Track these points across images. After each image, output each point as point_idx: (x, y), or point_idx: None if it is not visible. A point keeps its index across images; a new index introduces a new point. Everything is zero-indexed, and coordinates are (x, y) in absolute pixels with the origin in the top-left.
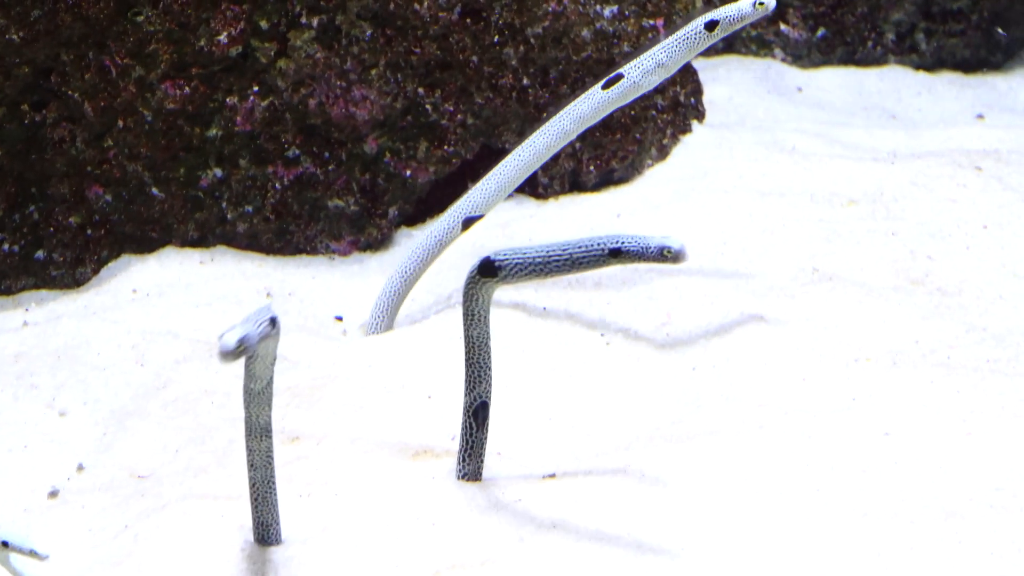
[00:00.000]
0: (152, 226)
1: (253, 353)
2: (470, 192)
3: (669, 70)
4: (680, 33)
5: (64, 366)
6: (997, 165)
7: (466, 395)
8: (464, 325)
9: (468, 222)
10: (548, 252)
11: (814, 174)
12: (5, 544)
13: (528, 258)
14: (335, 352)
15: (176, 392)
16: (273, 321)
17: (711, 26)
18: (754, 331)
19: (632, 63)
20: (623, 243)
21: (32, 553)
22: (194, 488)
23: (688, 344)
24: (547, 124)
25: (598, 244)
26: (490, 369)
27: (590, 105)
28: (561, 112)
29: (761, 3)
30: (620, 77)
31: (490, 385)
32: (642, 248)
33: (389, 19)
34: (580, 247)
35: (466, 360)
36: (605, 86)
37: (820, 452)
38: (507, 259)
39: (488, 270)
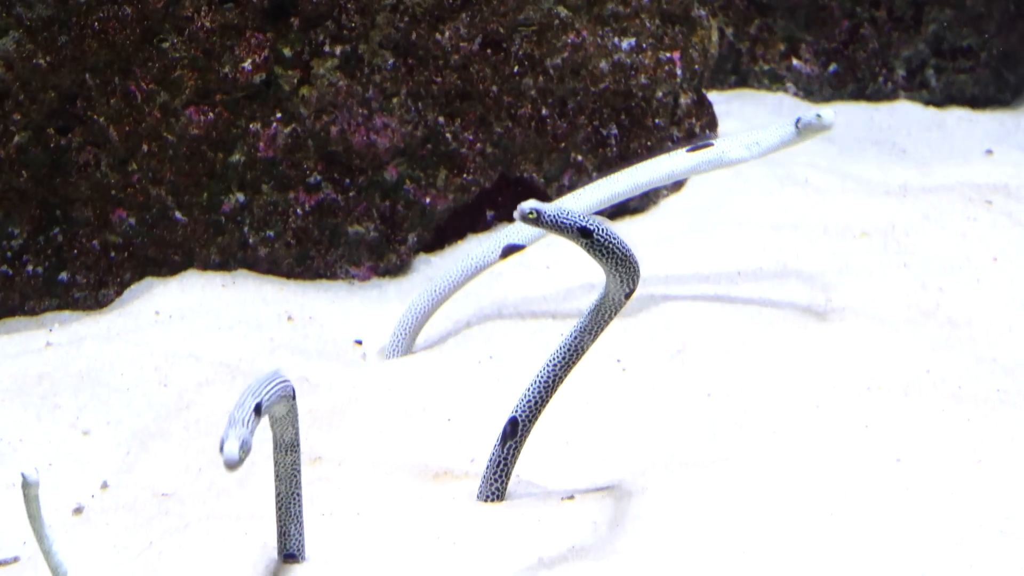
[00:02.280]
0: (175, 250)
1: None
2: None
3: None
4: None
5: (87, 387)
6: (1007, 200)
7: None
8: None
9: (509, 251)
10: None
11: (827, 207)
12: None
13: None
14: (355, 376)
15: (198, 414)
16: (258, 408)
17: (796, 122)
18: (768, 360)
19: (727, 138)
20: None
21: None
22: (217, 508)
23: (703, 372)
24: (618, 174)
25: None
26: (543, 393)
27: (668, 166)
28: (635, 166)
29: (819, 116)
30: (709, 145)
31: (533, 409)
32: None
33: (411, 49)
34: None
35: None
36: (691, 150)
37: (833, 478)
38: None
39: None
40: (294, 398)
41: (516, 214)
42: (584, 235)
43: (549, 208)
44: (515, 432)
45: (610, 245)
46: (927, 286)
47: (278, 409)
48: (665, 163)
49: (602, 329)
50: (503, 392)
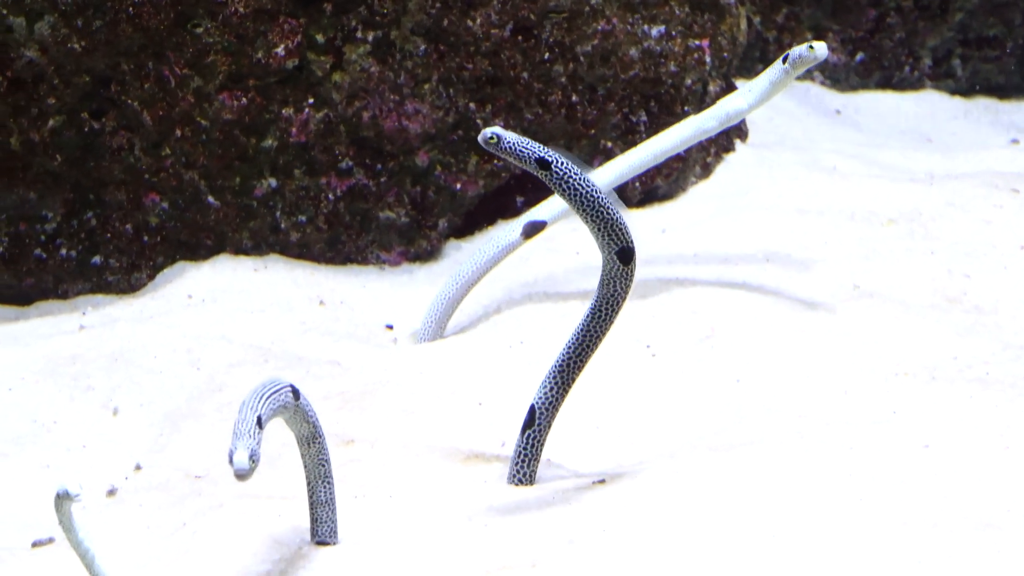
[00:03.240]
0: (207, 234)
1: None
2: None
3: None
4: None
5: (120, 368)
6: None
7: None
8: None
9: (531, 229)
10: None
11: (853, 194)
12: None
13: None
14: (386, 359)
15: (230, 395)
16: (259, 421)
17: (784, 59)
18: (796, 345)
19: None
20: None
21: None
22: (250, 488)
23: (731, 356)
24: (635, 148)
25: None
26: (561, 381)
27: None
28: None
29: (812, 47)
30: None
31: (552, 396)
32: None
33: (442, 35)
34: None
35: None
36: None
37: (861, 462)
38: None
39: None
40: (298, 397)
41: (479, 138)
42: (542, 166)
43: (510, 135)
44: (533, 421)
45: (571, 180)
46: (953, 272)
47: (284, 415)
48: (675, 131)
49: (614, 310)
50: (533, 376)
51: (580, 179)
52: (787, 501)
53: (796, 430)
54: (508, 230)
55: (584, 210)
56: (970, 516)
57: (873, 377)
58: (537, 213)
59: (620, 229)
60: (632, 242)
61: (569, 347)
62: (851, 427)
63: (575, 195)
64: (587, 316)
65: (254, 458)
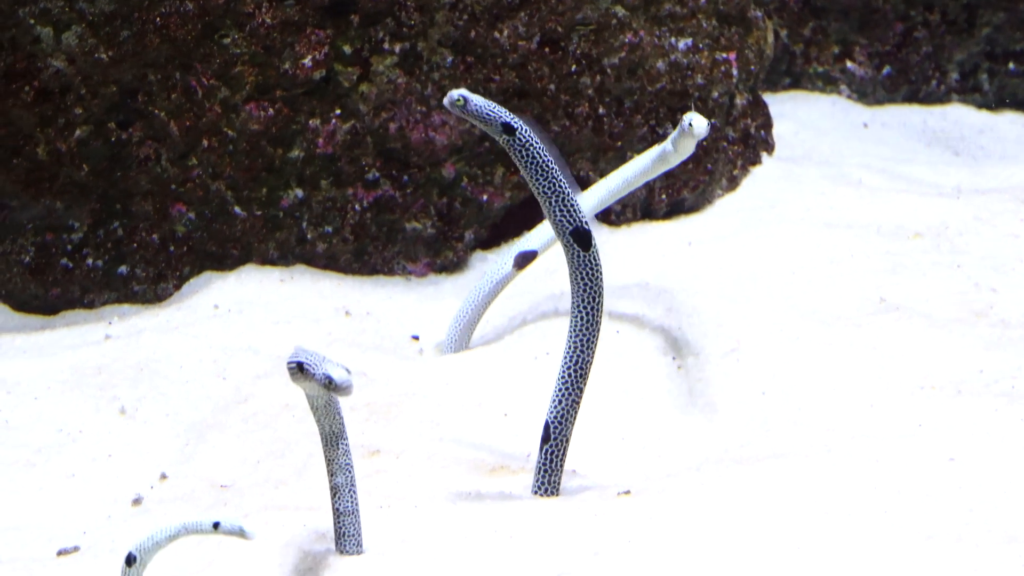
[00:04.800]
0: (233, 244)
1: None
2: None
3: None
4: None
5: (145, 379)
6: None
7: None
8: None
9: (522, 260)
10: None
11: (880, 207)
12: (216, 526)
13: None
14: (412, 370)
15: (256, 406)
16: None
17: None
18: (822, 358)
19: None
20: None
21: (241, 532)
22: (275, 499)
23: (758, 369)
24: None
25: None
26: (568, 393)
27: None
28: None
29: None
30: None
31: (562, 410)
32: None
33: (469, 47)
34: None
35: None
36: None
37: (887, 476)
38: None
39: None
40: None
41: (445, 101)
42: (507, 131)
43: (477, 98)
44: (548, 437)
45: (531, 149)
46: (980, 286)
47: (318, 391)
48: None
49: (595, 307)
50: None
51: (540, 150)
52: (812, 514)
53: (822, 443)
54: (500, 263)
55: (537, 181)
56: (995, 530)
57: (899, 390)
58: (526, 244)
59: (571, 207)
60: (586, 224)
61: (566, 359)
62: (877, 440)
63: (532, 164)
64: (572, 324)
65: (348, 369)
